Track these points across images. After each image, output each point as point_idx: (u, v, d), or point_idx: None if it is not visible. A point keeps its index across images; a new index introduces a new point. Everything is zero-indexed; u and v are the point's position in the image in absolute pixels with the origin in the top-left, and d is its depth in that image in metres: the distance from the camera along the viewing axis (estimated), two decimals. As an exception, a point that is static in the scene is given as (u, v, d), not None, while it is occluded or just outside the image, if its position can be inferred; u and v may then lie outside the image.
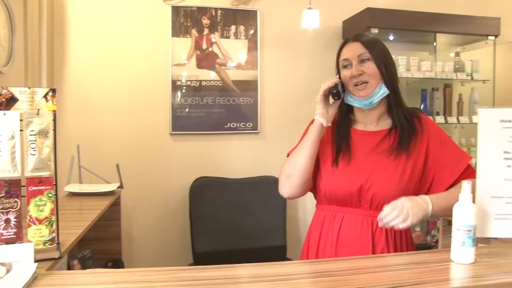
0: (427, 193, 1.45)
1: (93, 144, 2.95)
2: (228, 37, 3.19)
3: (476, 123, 1.18)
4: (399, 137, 1.46)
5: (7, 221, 1.17)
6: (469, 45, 3.53)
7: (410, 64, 3.21)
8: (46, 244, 1.23)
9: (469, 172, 1.39)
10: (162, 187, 3.13)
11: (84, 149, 2.81)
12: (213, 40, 3.16)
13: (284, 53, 3.30)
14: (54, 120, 1.24)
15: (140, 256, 3.11)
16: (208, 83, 3.16)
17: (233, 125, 3.21)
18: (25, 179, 1.21)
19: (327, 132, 1.52)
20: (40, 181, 1.22)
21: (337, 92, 1.47)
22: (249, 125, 3.24)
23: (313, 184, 1.53)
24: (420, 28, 3.17)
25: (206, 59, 3.15)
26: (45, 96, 1.22)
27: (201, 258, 2.91)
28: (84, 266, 2.30)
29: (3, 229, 1.17)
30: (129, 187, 2.83)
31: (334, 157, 1.49)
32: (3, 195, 1.16)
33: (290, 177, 1.49)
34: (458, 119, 3.33)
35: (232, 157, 3.25)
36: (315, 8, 2.91)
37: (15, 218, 1.18)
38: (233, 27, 3.19)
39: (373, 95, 1.45)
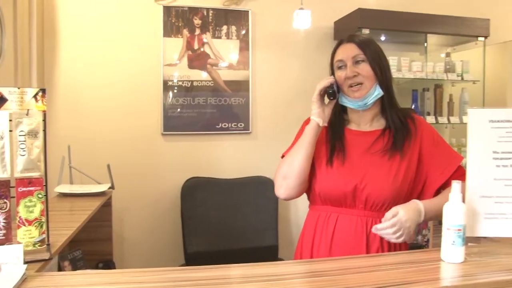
0: (420, 193, 1.46)
1: (84, 144, 2.93)
2: (220, 37, 3.19)
3: (466, 123, 1.19)
4: (393, 137, 1.47)
5: (-4, 222, 1.16)
6: (460, 46, 3.56)
7: (401, 65, 3.22)
8: (36, 246, 1.22)
9: (460, 174, 1.40)
10: (154, 188, 3.12)
11: (75, 150, 2.79)
12: (204, 40, 3.16)
13: (276, 53, 3.31)
14: (44, 120, 1.23)
15: (131, 257, 3.10)
16: (199, 83, 3.15)
17: (225, 125, 3.21)
18: (14, 180, 1.20)
19: (321, 132, 1.52)
20: (29, 181, 1.21)
21: (332, 92, 1.47)
22: (240, 125, 3.24)
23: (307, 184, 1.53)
24: (411, 28, 3.18)
25: (197, 59, 3.15)
26: (34, 96, 1.21)
27: (192, 258, 2.91)
28: (75, 267, 2.29)
29: (-8, 230, 1.16)
30: (121, 188, 2.82)
31: (329, 157, 1.49)
32: (-8, 196, 1.16)
33: (287, 178, 1.48)
34: (448, 119, 3.35)
35: (223, 157, 3.24)
36: (306, 8, 2.92)
37: (4, 219, 1.17)
38: (224, 27, 3.19)
39: (368, 96, 1.46)
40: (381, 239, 1.39)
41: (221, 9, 3.18)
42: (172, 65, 3.11)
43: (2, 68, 2.27)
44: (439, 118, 3.33)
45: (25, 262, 1.10)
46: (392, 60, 3.17)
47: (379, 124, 1.52)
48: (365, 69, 1.45)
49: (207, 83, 3.17)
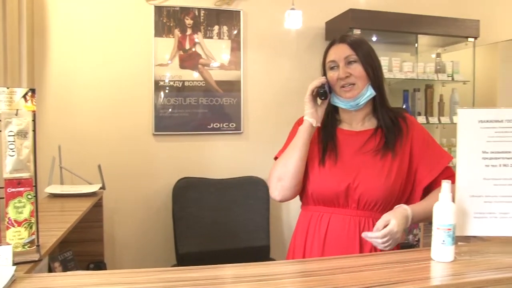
0: (410, 192, 1.47)
1: (74, 144, 2.92)
2: (211, 37, 3.18)
3: (456, 123, 1.20)
4: (384, 137, 1.47)
5: (-15, 223, 1.15)
6: (450, 46, 3.58)
7: (392, 65, 3.24)
8: (26, 247, 1.21)
9: (449, 175, 1.39)
10: (145, 188, 3.11)
11: (66, 150, 2.77)
12: (196, 40, 3.15)
13: (267, 53, 3.31)
14: (34, 120, 1.22)
15: (122, 258, 3.08)
16: (191, 83, 3.15)
17: (216, 125, 3.21)
18: (3, 180, 1.19)
19: (313, 133, 1.52)
20: (19, 182, 1.20)
21: (323, 92, 1.47)
22: (232, 125, 3.24)
23: None
24: (402, 29, 3.20)
25: (189, 60, 3.14)
26: (24, 96, 1.20)
27: (184, 259, 2.90)
28: (65, 268, 2.27)
29: (-19, 231, 1.15)
30: (112, 188, 2.81)
31: (321, 157, 1.49)
32: (-19, 197, 1.14)
33: (282, 179, 1.48)
34: (439, 119, 3.38)
35: (215, 157, 3.24)
36: (298, 8, 2.92)
37: (-7, 220, 1.16)
38: (216, 28, 3.18)
39: (360, 97, 1.47)
40: None
41: (213, 9, 3.18)
42: (164, 65, 3.10)
43: (-9, 68, 2.25)
44: (430, 118, 3.36)
45: (14, 264, 1.09)
46: (383, 61, 3.19)
47: (371, 123, 1.53)
48: (357, 69, 1.46)
49: (199, 83, 3.16)
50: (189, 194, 3.04)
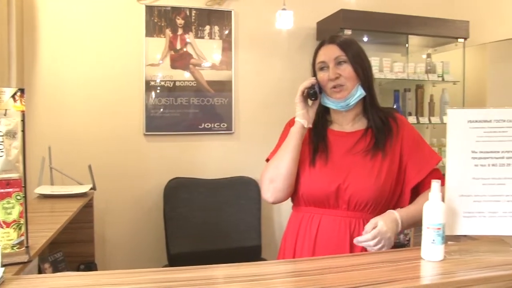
0: (400, 193, 1.47)
1: (65, 145, 2.90)
2: (203, 37, 3.17)
3: (446, 123, 1.21)
4: (375, 137, 1.48)
5: (-26, 224, 1.14)
6: (440, 47, 3.61)
7: (383, 65, 3.26)
8: (14, 248, 1.20)
9: (437, 177, 1.39)
10: (136, 188, 3.10)
11: (56, 150, 2.75)
12: (187, 40, 3.15)
13: (259, 53, 3.31)
14: (23, 120, 1.21)
15: (113, 258, 3.07)
16: (182, 83, 3.14)
17: (208, 125, 3.20)
18: (-8, 181, 1.18)
19: (305, 133, 1.52)
20: (7, 183, 1.18)
21: (314, 92, 1.48)
22: (223, 125, 3.23)
23: None
24: (393, 30, 3.22)
25: (180, 60, 3.13)
26: (13, 96, 1.19)
27: (175, 259, 2.89)
28: (55, 270, 2.25)
29: (-30, 232, 1.14)
30: (102, 189, 2.79)
31: (311, 158, 1.49)
32: (-31, 197, 1.13)
33: (274, 181, 1.48)
34: (429, 119, 3.40)
35: (206, 157, 3.23)
36: (289, 9, 2.92)
37: (-18, 221, 1.15)
38: (207, 27, 3.18)
39: (350, 97, 1.47)
40: None
41: (204, 9, 3.17)
42: (155, 65, 3.09)
43: (-20, 68, 2.23)
44: (420, 118, 3.38)
45: (3, 265, 1.08)
46: (374, 61, 3.20)
47: (361, 124, 1.53)
48: (347, 70, 1.46)
49: (190, 83, 3.15)
50: (180, 194, 3.03)
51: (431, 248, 1.12)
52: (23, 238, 1.22)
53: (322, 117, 1.57)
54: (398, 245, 3.31)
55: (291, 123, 1.53)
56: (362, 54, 1.51)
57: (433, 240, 1.12)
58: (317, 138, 1.52)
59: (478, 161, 1.18)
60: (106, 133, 3.01)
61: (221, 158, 3.26)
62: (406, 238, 3.28)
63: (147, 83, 3.07)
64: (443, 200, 1.14)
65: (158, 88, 3.10)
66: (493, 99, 3.56)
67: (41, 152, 2.68)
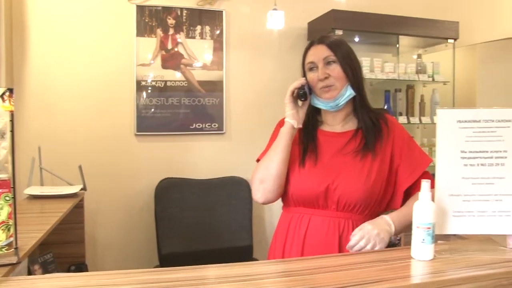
0: (392, 195, 1.48)
1: (55, 145, 2.88)
2: (194, 37, 3.17)
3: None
4: (365, 138, 1.48)
5: (-38, 225, 1.13)
6: (430, 47, 3.63)
7: (374, 65, 3.27)
8: (3, 249, 1.19)
9: (427, 178, 1.41)
10: (127, 189, 3.08)
11: (46, 151, 2.73)
12: (178, 40, 3.14)
13: (250, 53, 3.31)
14: (12, 120, 1.20)
15: (104, 259, 3.05)
16: (173, 83, 3.13)
17: (199, 125, 3.20)
18: (-19, 182, 1.17)
19: (295, 134, 1.52)
20: (-4, 184, 1.18)
21: (303, 93, 1.48)
22: (214, 125, 3.23)
23: None
24: (383, 30, 3.23)
25: (171, 59, 3.12)
26: (1, 96, 1.17)
27: (167, 260, 2.88)
28: (45, 271, 2.24)
29: (-43, 234, 1.12)
30: (93, 189, 2.78)
31: (301, 158, 1.49)
32: (-43, 198, 1.12)
33: (264, 182, 1.48)
34: (420, 120, 3.42)
35: (197, 157, 3.23)
36: (280, 9, 2.93)
37: (-30, 222, 1.14)
38: (198, 27, 3.17)
39: (339, 97, 1.47)
40: None
41: (195, 9, 3.17)
42: (146, 65, 3.08)
43: (-32, 67, 2.21)
44: (411, 119, 3.40)
45: (-8, 266, 1.08)
46: (365, 61, 3.21)
47: (352, 124, 1.53)
48: (336, 70, 1.46)
49: (181, 83, 3.15)
50: (172, 194, 3.02)
51: (421, 248, 1.13)
52: (12, 239, 1.21)
53: (313, 117, 1.57)
54: (389, 245, 3.33)
55: (281, 123, 1.53)
56: (352, 54, 1.50)
57: (423, 240, 1.12)
58: (307, 139, 1.52)
59: (467, 160, 1.18)
60: (96, 133, 3.00)
61: (212, 158, 3.25)
62: (397, 238, 3.29)
63: (138, 83, 3.06)
64: (433, 199, 1.15)
65: (149, 88, 3.09)
66: (483, 99, 3.59)
67: (31, 153, 2.66)
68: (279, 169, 1.46)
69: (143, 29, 3.06)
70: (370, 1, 3.38)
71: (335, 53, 1.46)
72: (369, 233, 1.31)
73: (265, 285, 1.02)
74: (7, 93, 1.18)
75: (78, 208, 2.53)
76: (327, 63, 1.47)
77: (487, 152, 1.18)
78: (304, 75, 1.53)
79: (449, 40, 3.40)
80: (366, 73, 3.19)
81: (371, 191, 1.41)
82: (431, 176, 1.38)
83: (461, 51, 3.59)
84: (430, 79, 3.43)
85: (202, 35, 3.19)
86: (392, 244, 3.28)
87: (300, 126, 1.51)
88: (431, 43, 3.55)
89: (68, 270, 2.52)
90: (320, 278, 1.02)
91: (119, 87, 3.04)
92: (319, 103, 1.50)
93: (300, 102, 1.52)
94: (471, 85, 3.69)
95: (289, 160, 1.49)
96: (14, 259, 1.20)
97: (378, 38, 3.43)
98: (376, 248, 1.30)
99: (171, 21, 3.11)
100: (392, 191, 1.47)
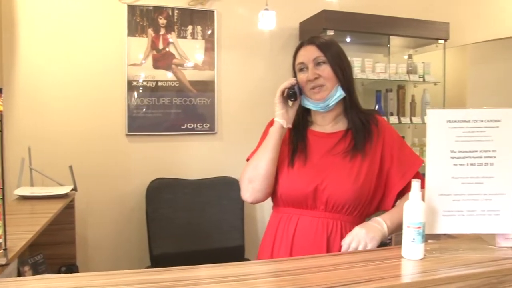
0: (382, 196, 1.48)
1: (45, 145, 2.86)
2: (185, 37, 3.16)
3: (427, 123, 1.22)
4: (354, 138, 1.48)
5: (-50, 227, 1.12)
6: (421, 48, 3.65)
7: (365, 66, 3.28)
8: (-7, 250, 1.18)
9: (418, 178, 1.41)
10: (118, 189, 3.07)
11: (36, 151, 2.71)
12: (170, 40, 3.13)
13: (241, 53, 3.31)
14: (1, 120, 1.19)
15: (95, 260, 3.04)
16: (164, 83, 3.12)
17: (190, 125, 3.19)
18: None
19: (285, 134, 1.52)
20: (-15, 184, 1.17)
21: (293, 93, 1.48)
22: (206, 125, 3.22)
23: None
24: (375, 30, 3.25)
25: (162, 59, 3.11)
26: (-10, 96, 1.17)
27: (158, 260, 2.88)
28: (35, 272, 2.22)
29: None
30: (84, 190, 2.77)
31: (290, 158, 1.49)
32: None
33: (253, 181, 1.48)
34: (411, 120, 3.43)
35: (189, 158, 3.22)
36: (271, 9, 2.93)
37: (-42, 223, 1.13)
38: (190, 27, 3.17)
39: (329, 98, 1.47)
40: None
41: (187, 9, 3.16)
42: (137, 65, 3.06)
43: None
44: (402, 119, 3.41)
45: (-19, 268, 1.07)
46: (356, 61, 3.23)
47: (342, 125, 1.53)
48: (326, 71, 1.46)
49: (172, 83, 3.14)
50: (163, 195, 3.01)
51: (412, 247, 1.14)
52: (1, 240, 1.20)
53: (303, 117, 1.57)
54: (381, 244, 3.34)
55: (271, 123, 1.53)
56: (342, 55, 1.51)
57: (413, 239, 1.13)
58: (297, 138, 1.52)
59: (457, 160, 1.19)
60: (87, 133, 2.98)
61: (203, 158, 3.25)
62: (388, 238, 3.31)
63: (129, 83, 3.05)
64: (423, 199, 1.16)
65: (141, 88, 3.08)
66: (473, 100, 3.62)
67: (20, 153, 2.64)
68: (268, 169, 1.46)
69: (134, 29, 3.05)
70: (361, 1, 3.39)
71: (325, 54, 1.46)
72: (357, 235, 1.32)
73: (256, 285, 1.02)
74: (-4, 93, 1.17)
75: (69, 208, 2.51)
76: (317, 64, 1.47)
77: (476, 152, 1.19)
78: (295, 75, 1.53)
79: (440, 41, 3.43)
80: (357, 73, 3.21)
81: (360, 192, 1.41)
82: (421, 176, 1.39)
83: (451, 52, 3.62)
84: (421, 79, 3.45)
85: (193, 35, 3.18)
86: (383, 244, 3.31)
87: (290, 126, 1.51)
88: (421, 43, 3.57)
89: (59, 271, 2.51)
90: (311, 278, 1.03)
91: (110, 87, 3.03)
92: (309, 104, 1.50)
93: (290, 102, 1.52)
94: (462, 85, 3.72)
95: (279, 160, 1.49)
96: (3, 261, 1.19)
97: (369, 38, 3.44)
98: (368, 247, 1.31)
99: (162, 21, 3.11)
100: (382, 192, 1.47)
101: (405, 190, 1.45)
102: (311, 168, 1.45)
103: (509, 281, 1.07)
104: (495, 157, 1.19)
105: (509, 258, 1.14)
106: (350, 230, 1.37)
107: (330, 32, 3.07)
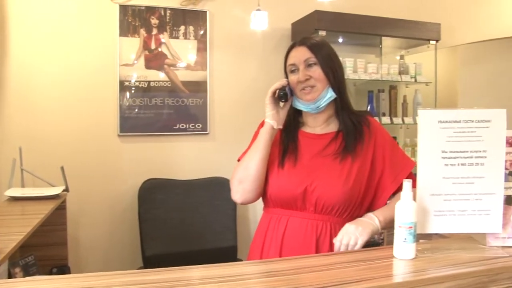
0: (373, 198, 1.47)
1: (36, 145, 2.84)
2: (177, 38, 3.15)
3: (418, 124, 1.23)
4: (345, 140, 1.47)
5: None
6: (413, 48, 3.67)
7: (357, 66, 3.29)
8: (-17, 252, 1.17)
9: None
10: (110, 190, 3.06)
11: (27, 151, 2.70)
12: (162, 40, 3.12)
13: (234, 54, 3.31)
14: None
15: (87, 261, 3.02)
16: (157, 83, 3.11)
17: (183, 126, 3.18)
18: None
19: (276, 135, 1.52)
20: (-24, 185, 1.16)
21: (284, 94, 1.48)
22: (198, 126, 3.22)
23: None
24: (366, 31, 3.26)
25: (154, 60, 3.11)
26: (-19, 97, 1.16)
27: (151, 261, 2.87)
28: (27, 274, 2.21)
29: None
30: (75, 190, 2.75)
31: (280, 159, 1.49)
32: None
33: (243, 182, 1.47)
34: (403, 120, 3.45)
35: (181, 158, 3.21)
36: (263, 9, 2.93)
37: None
38: (182, 28, 3.16)
39: (320, 99, 1.47)
40: (331, 242, 1.39)
41: (179, 9, 3.15)
42: (129, 65, 3.05)
43: None
44: (394, 119, 3.43)
45: (-29, 270, 1.06)
46: (349, 62, 3.24)
47: (333, 126, 1.53)
48: (317, 72, 1.46)
49: (165, 84, 3.13)
50: (155, 195, 3.00)
51: (403, 247, 1.14)
52: (-9, 242, 1.19)
53: (294, 118, 1.57)
54: (374, 243, 3.35)
55: (263, 124, 1.52)
56: (333, 56, 1.50)
57: (405, 239, 1.14)
58: (288, 139, 1.52)
59: (448, 160, 1.20)
60: (79, 133, 2.96)
61: (196, 159, 3.24)
62: (381, 237, 3.32)
63: (121, 83, 3.04)
64: (414, 199, 1.16)
65: (133, 88, 3.07)
66: (464, 100, 3.65)
67: (11, 154, 2.62)
68: (258, 170, 1.46)
69: (126, 29, 3.04)
70: (353, 2, 3.40)
71: (316, 55, 1.46)
72: (347, 230, 1.33)
73: (249, 286, 1.02)
74: (-13, 94, 1.17)
75: (60, 209, 2.50)
76: (308, 65, 1.47)
77: (467, 152, 1.20)
78: (287, 77, 1.53)
79: (431, 42, 3.45)
80: (350, 73, 3.21)
81: (350, 194, 1.40)
82: (413, 176, 1.40)
83: (443, 53, 3.64)
84: (413, 79, 3.46)
85: (185, 35, 3.17)
86: (376, 244, 3.32)
87: (280, 126, 1.51)
88: (413, 44, 3.59)
89: (50, 273, 2.50)
90: (304, 278, 1.03)
91: (102, 87, 3.01)
92: (300, 105, 1.50)
93: (281, 103, 1.52)
94: (453, 86, 3.75)
95: (269, 161, 1.49)
96: (-7, 262, 1.18)
97: (361, 39, 3.45)
98: (359, 241, 1.31)
99: (154, 21, 3.10)
100: (373, 194, 1.47)
101: (397, 190, 1.45)
102: (301, 169, 1.45)
103: (499, 280, 1.08)
104: (485, 157, 1.20)
105: (499, 257, 1.15)
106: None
107: (322, 33, 3.07)
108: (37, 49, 2.87)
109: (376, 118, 3.24)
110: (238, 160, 1.56)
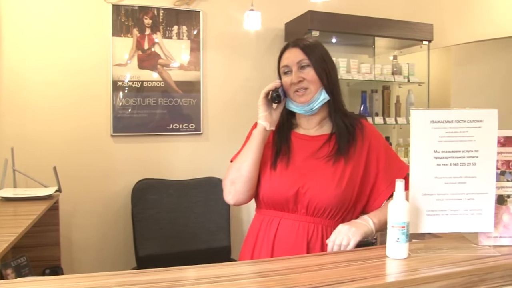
0: (367, 201, 1.47)
1: (28, 146, 2.83)
2: (171, 38, 3.15)
3: (411, 124, 1.24)
4: (337, 142, 1.47)
5: None
6: (406, 49, 3.68)
7: (351, 66, 3.30)
8: (-25, 253, 1.16)
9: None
10: (103, 190, 3.04)
11: (19, 152, 2.68)
12: (155, 40, 3.11)
13: (227, 54, 3.31)
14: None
15: (81, 262, 3.01)
16: (150, 83, 3.11)
17: (176, 126, 3.18)
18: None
19: (269, 136, 1.51)
20: (-33, 186, 1.15)
21: (277, 95, 1.47)
22: (191, 126, 3.22)
23: None
24: (360, 31, 3.26)
25: (148, 60, 3.10)
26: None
27: (144, 261, 2.86)
28: (19, 275, 2.20)
29: None
30: (68, 191, 2.74)
31: (273, 160, 1.48)
32: None
33: (235, 183, 1.47)
34: (396, 120, 3.46)
35: (175, 158, 3.21)
36: (257, 9, 2.93)
37: None
38: (175, 28, 3.16)
39: (313, 101, 1.46)
40: (322, 245, 1.39)
41: (172, 9, 3.15)
42: (122, 65, 3.04)
43: None
44: (387, 119, 3.44)
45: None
46: (342, 62, 3.25)
47: (327, 128, 1.52)
48: (310, 74, 1.45)
49: (158, 84, 3.12)
50: (149, 195, 3.00)
51: (396, 246, 1.15)
52: (-17, 243, 1.18)
53: (288, 120, 1.56)
54: (367, 243, 3.36)
55: (256, 125, 1.52)
56: (326, 58, 1.49)
57: (398, 239, 1.14)
58: (280, 141, 1.51)
59: (440, 160, 1.20)
60: (72, 134, 2.95)
61: (189, 159, 3.24)
62: (374, 237, 3.33)
63: (114, 83, 3.03)
64: (407, 199, 1.17)
65: (126, 88, 3.06)
66: (457, 100, 3.67)
67: (3, 154, 2.61)
68: (251, 171, 1.45)
69: (119, 29, 3.03)
70: (346, 2, 3.41)
71: (309, 57, 1.45)
72: (340, 231, 1.32)
73: (242, 286, 1.02)
74: (-22, 94, 1.16)
75: (53, 210, 2.49)
76: (301, 67, 1.46)
77: (459, 152, 1.20)
78: (280, 78, 1.52)
79: (424, 42, 3.46)
80: (343, 74, 3.22)
81: (342, 197, 1.40)
82: (406, 176, 1.40)
83: (435, 53, 3.66)
84: (406, 80, 3.48)
85: (179, 35, 3.17)
86: (370, 243, 3.33)
87: (273, 128, 1.50)
88: (406, 44, 3.60)
89: (43, 274, 2.49)
90: (297, 278, 1.03)
91: (95, 87, 3.00)
92: (294, 107, 1.50)
93: (274, 105, 1.52)
94: (446, 86, 3.77)
95: (262, 162, 1.48)
96: (-15, 263, 1.17)
97: (355, 39, 3.46)
98: (352, 241, 1.30)
99: (147, 21, 3.09)
100: (366, 198, 1.46)
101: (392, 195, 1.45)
102: (294, 171, 1.44)
103: (490, 279, 1.09)
104: (477, 157, 1.21)
105: (491, 257, 1.16)
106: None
107: (316, 33, 3.08)
108: (30, 49, 2.86)
109: (369, 119, 3.26)
110: (231, 161, 1.56)
